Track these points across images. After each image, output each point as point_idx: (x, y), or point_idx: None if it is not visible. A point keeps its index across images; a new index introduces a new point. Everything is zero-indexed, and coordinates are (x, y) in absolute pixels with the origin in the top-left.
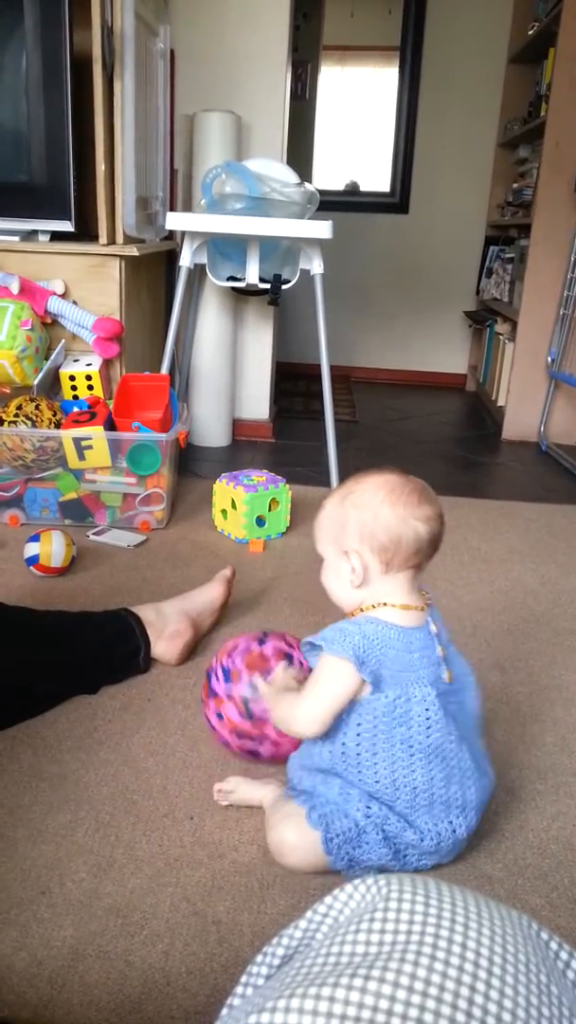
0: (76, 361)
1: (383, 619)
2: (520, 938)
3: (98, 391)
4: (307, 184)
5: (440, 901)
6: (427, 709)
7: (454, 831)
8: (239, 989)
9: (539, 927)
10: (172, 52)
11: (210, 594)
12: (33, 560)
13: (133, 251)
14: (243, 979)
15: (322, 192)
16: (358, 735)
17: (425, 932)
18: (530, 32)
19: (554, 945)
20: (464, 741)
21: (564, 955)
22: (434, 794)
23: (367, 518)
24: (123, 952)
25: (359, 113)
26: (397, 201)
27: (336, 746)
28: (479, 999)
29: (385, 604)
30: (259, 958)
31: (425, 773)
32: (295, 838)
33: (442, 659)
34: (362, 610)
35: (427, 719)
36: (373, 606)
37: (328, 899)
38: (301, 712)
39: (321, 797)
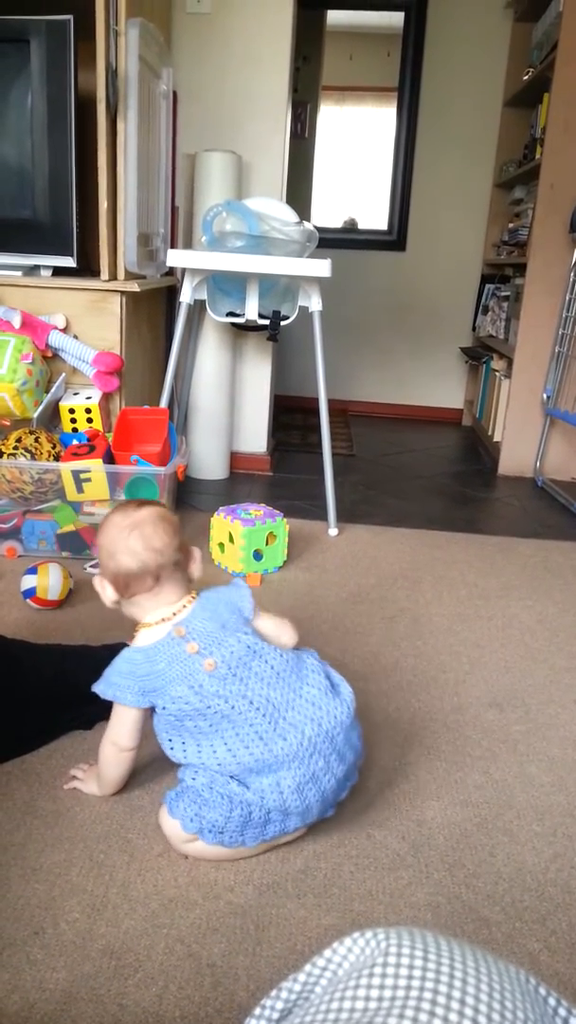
0: (76, 394)
1: (137, 646)
2: (519, 993)
3: (97, 424)
4: (306, 223)
5: (439, 956)
6: (187, 703)
7: (278, 784)
8: None
9: (537, 982)
10: (175, 93)
11: None
12: (30, 592)
13: (134, 287)
14: None
15: (321, 230)
16: (170, 740)
17: (424, 987)
18: (525, 77)
19: (552, 1001)
20: (266, 705)
21: (563, 1012)
22: (254, 756)
23: (103, 554)
24: (116, 995)
25: (358, 152)
26: (395, 239)
27: (174, 754)
28: None
29: (138, 625)
30: (257, 1011)
31: (233, 740)
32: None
33: (195, 654)
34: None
35: (196, 709)
36: (137, 625)
37: (327, 952)
38: (109, 742)
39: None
